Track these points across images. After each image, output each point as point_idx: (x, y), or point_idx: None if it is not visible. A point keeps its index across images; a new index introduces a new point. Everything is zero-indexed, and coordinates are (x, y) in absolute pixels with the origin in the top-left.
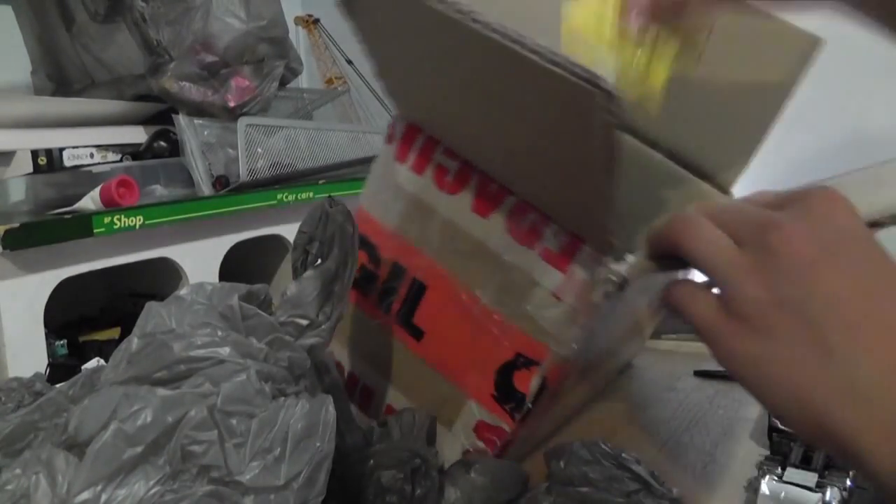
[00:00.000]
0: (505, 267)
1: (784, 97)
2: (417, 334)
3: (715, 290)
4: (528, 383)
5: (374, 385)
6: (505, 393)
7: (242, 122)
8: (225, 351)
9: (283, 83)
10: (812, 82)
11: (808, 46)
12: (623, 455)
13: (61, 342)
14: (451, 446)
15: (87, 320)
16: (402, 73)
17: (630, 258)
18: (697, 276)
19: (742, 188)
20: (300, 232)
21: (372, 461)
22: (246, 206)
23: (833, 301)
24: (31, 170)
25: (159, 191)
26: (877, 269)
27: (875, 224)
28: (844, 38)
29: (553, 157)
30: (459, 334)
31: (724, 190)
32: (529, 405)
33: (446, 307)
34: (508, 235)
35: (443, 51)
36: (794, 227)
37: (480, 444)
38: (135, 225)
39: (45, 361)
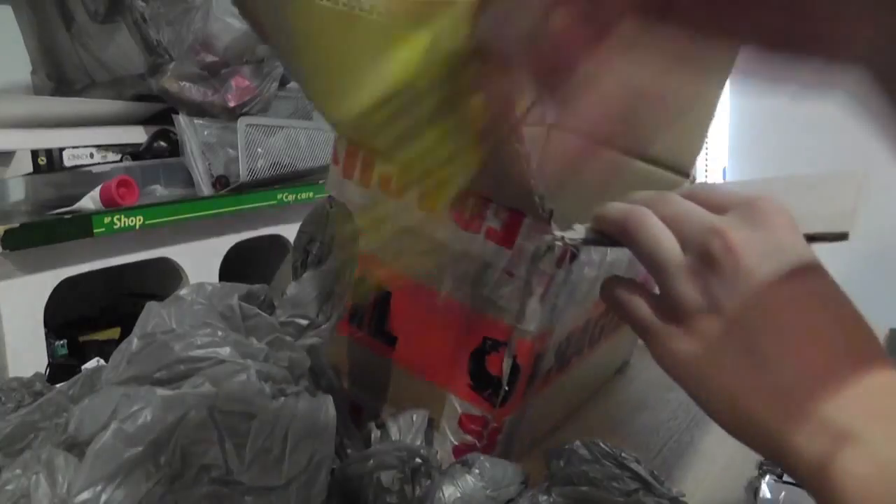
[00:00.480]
0: (456, 256)
1: (723, 79)
2: (391, 341)
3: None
4: (500, 365)
5: (362, 402)
6: (480, 380)
7: (242, 122)
8: (225, 351)
9: (283, 83)
10: None
11: None
12: (623, 454)
13: (61, 342)
14: (442, 446)
15: (87, 320)
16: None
17: (577, 226)
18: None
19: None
20: (301, 232)
21: (372, 461)
22: (246, 206)
23: (764, 309)
24: (30, 170)
25: (159, 191)
26: (809, 282)
27: (813, 238)
28: None
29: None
30: (428, 332)
31: (686, 174)
32: (506, 387)
33: (412, 309)
34: (454, 224)
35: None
36: (736, 236)
37: (468, 438)
38: (135, 225)
39: (45, 361)
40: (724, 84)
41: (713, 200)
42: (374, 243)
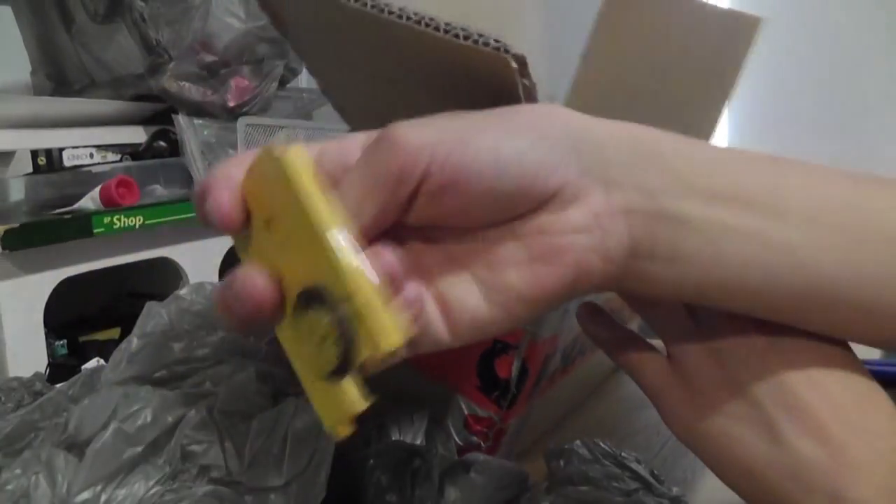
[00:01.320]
0: None
1: (733, 79)
2: None
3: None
4: (509, 368)
5: None
6: (489, 382)
7: (242, 122)
8: (225, 351)
9: (282, 83)
10: None
11: (750, 27)
12: (623, 454)
13: (61, 342)
14: (445, 445)
15: (87, 320)
16: (341, 85)
17: None
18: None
19: None
20: None
21: (372, 461)
22: None
23: (780, 386)
24: (30, 170)
25: (159, 191)
26: (824, 356)
27: None
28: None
29: None
30: None
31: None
32: (514, 390)
33: None
34: None
35: (368, 52)
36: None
37: (473, 439)
38: (135, 225)
39: (45, 361)
40: (724, 103)
41: None
42: None
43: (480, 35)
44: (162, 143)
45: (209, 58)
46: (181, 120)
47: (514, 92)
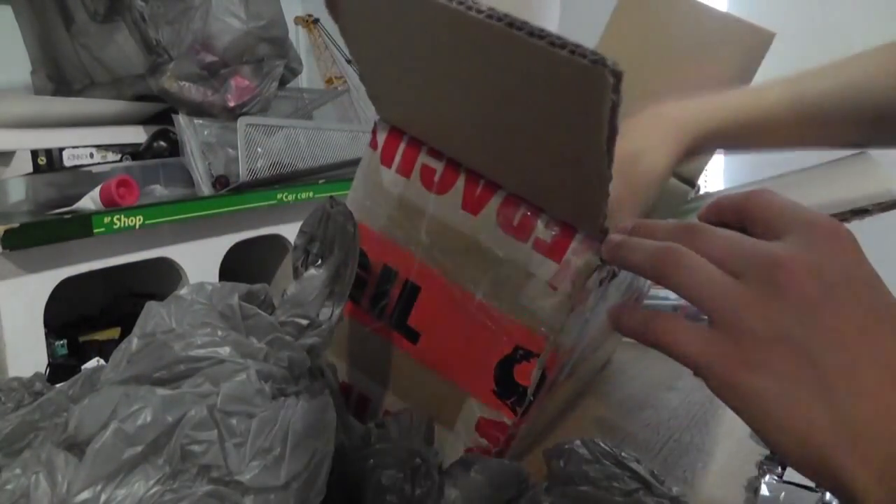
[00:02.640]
0: (498, 261)
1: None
2: (413, 336)
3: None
4: (529, 375)
5: (370, 392)
6: (506, 387)
7: (242, 122)
8: (225, 351)
9: (282, 83)
10: None
11: (762, 41)
12: (623, 454)
13: (61, 342)
14: (453, 445)
15: (87, 320)
16: (388, 74)
17: None
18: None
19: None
20: (301, 232)
21: (372, 461)
22: (246, 206)
23: (834, 341)
24: (31, 170)
25: (159, 191)
26: (878, 310)
27: (865, 211)
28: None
29: (552, 142)
30: (456, 333)
31: (691, 183)
32: (531, 397)
33: (441, 307)
34: (500, 230)
35: (436, 45)
36: (798, 264)
37: (483, 441)
38: (135, 225)
39: (45, 361)
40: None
41: (764, 220)
42: (407, 237)
43: (577, 45)
44: (162, 143)
45: (209, 58)
46: (181, 120)
47: (601, 107)
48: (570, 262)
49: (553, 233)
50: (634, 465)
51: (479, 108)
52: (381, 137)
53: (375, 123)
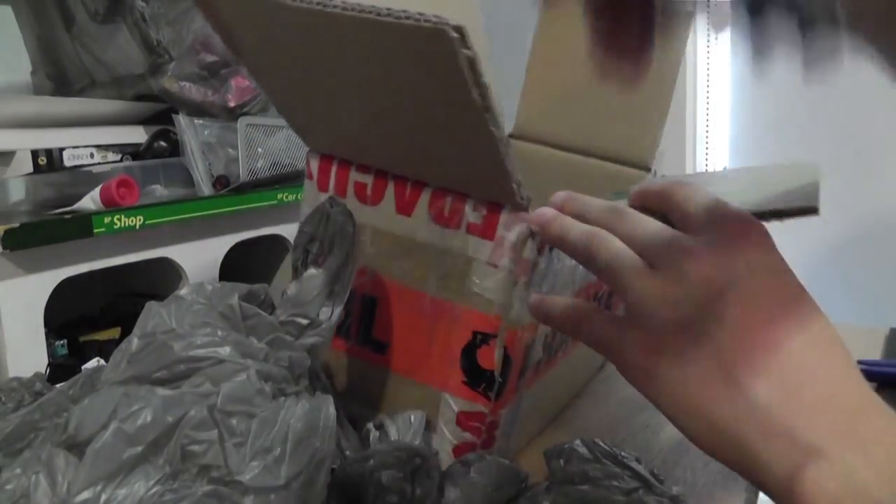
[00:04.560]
0: (439, 254)
1: (674, 72)
2: (380, 348)
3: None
4: (492, 358)
5: (356, 413)
6: (474, 375)
7: (242, 122)
8: (225, 351)
9: None
10: None
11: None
12: (623, 453)
13: (61, 342)
14: (441, 447)
15: (87, 320)
16: (298, 101)
17: None
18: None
19: None
20: (301, 232)
21: (372, 461)
22: (246, 206)
23: (737, 329)
24: (31, 170)
25: (159, 191)
26: (781, 298)
27: (783, 213)
28: None
29: (438, 118)
30: (417, 334)
31: (647, 168)
32: (499, 378)
33: (398, 312)
34: (434, 223)
35: (318, 53)
36: (706, 256)
37: (467, 435)
38: (135, 225)
39: (46, 361)
40: (675, 78)
41: (682, 211)
42: (357, 253)
43: (420, 14)
44: (162, 143)
45: (210, 58)
46: (182, 120)
47: (457, 64)
48: (504, 238)
49: (482, 214)
50: (634, 465)
51: (370, 104)
52: (314, 166)
53: (307, 155)
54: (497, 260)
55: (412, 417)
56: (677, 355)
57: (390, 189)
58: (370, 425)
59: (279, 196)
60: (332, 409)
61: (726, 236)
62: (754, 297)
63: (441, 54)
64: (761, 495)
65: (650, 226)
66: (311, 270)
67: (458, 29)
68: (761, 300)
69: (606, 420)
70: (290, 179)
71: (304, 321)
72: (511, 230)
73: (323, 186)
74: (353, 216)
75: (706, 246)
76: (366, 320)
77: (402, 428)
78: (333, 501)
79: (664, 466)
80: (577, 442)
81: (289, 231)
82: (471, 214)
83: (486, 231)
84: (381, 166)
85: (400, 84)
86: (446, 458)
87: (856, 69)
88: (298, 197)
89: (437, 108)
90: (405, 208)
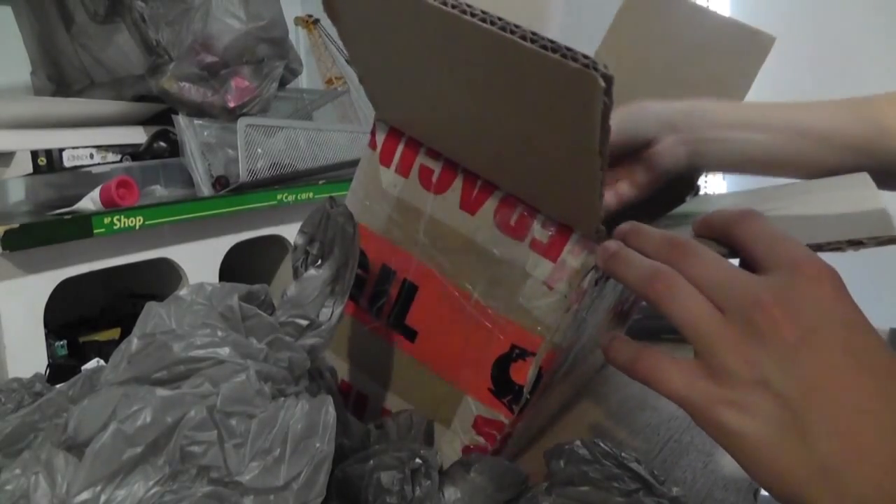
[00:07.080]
0: (495, 261)
1: (743, 93)
2: (410, 335)
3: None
4: (525, 374)
5: (369, 391)
6: (502, 386)
7: (242, 123)
8: (225, 351)
9: (282, 83)
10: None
11: (762, 45)
12: (623, 454)
13: (61, 342)
14: (451, 444)
15: (87, 320)
16: (386, 76)
17: None
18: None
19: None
20: (301, 232)
21: (371, 462)
22: (246, 207)
23: (810, 385)
24: (30, 170)
25: (159, 191)
26: (856, 353)
27: (859, 243)
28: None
29: (546, 144)
30: (453, 332)
31: (690, 184)
32: (528, 395)
33: (438, 306)
34: (497, 230)
35: (432, 47)
36: (778, 307)
37: (480, 440)
38: (135, 225)
39: (45, 362)
40: (744, 97)
41: (750, 251)
42: (406, 237)
43: (569, 49)
44: (162, 144)
45: (209, 58)
46: (181, 120)
47: (593, 110)
48: (566, 263)
49: (549, 233)
50: (634, 466)
51: (475, 110)
52: (380, 138)
53: (374, 123)
54: (554, 282)
55: (413, 417)
56: (751, 412)
57: (458, 182)
58: (370, 425)
59: (279, 196)
60: (332, 410)
61: (798, 284)
62: (830, 353)
63: (578, 95)
64: (761, 496)
65: (719, 267)
66: (312, 271)
67: (607, 78)
68: (837, 356)
69: (606, 420)
70: (289, 180)
71: (304, 322)
72: (577, 257)
73: (386, 161)
74: (410, 200)
75: (777, 295)
76: (401, 304)
77: (402, 428)
78: (333, 502)
79: (664, 467)
80: (577, 443)
81: (289, 231)
82: (538, 230)
83: (550, 251)
84: (455, 158)
85: (519, 104)
86: (453, 456)
87: (855, 70)
88: (298, 197)
89: (551, 135)
90: (470, 206)
